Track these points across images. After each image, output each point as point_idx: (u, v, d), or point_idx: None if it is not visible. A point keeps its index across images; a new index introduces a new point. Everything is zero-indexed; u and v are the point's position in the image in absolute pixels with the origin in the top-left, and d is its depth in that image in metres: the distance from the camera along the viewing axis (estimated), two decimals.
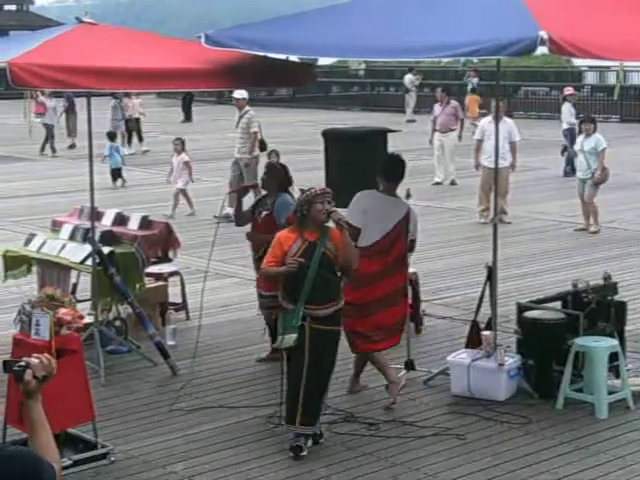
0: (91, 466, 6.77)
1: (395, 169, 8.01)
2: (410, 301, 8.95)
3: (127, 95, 25.68)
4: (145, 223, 10.17)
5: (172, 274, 10.58)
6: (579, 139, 14.93)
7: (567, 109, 20.90)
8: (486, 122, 15.56)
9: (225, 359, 9.09)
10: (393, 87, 40.97)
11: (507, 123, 15.23)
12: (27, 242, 10.04)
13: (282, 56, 8.24)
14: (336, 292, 6.93)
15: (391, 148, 10.95)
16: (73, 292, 9.76)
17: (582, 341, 7.83)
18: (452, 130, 19.33)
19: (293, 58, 8.82)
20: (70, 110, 27.53)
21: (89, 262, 9.10)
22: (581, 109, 26.64)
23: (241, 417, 7.70)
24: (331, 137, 10.65)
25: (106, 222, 10.14)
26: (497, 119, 10.13)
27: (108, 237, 9.50)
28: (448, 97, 19.78)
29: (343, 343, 7.42)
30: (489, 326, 8.39)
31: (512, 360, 8.03)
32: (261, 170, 16.00)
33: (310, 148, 21.34)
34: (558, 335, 7.96)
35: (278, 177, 8.53)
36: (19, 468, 2.87)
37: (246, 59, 8.01)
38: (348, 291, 7.24)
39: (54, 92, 24.16)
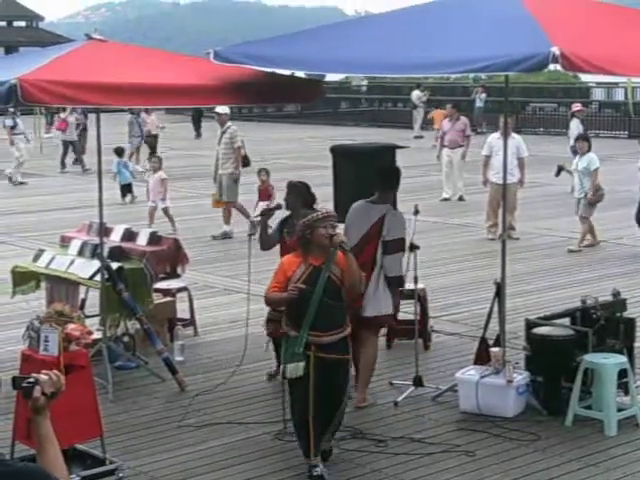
0: None
1: (388, 177, 8.20)
2: (419, 317, 8.94)
3: (146, 111, 25.54)
4: (154, 239, 10.17)
5: (180, 290, 10.59)
6: (575, 159, 14.95)
7: (575, 125, 20.91)
8: (494, 138, 15.56)
9: (234, 375, 9.07)
10: (401, 103, 41.04)
11: (515, 139, 15.24)
12: (36, 258, 10.05)
13: (290, 72, 8.26)
14: (342, 318, 6.71)
15: (399, 164, 10.95)
16: (81, 308, 9.77)
17: (591, 358, 7.81)
18: (461, 146, 19.35)
19: (300, 74, 8.82)
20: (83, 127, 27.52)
21: (98, 278, 9.11)
22: (589, 125, 26.68)
23: (250, 433, 7.69)
24: (340, 153, 10.63)
25: (115, 238, 10.15)
26: (505, 135, 10.13)
27: (117, 253, 9.51)
28: (458, 113, 19.80)
29: None
30: (498, 342, 8.37)
31: (521, 377, 8.01)
32: (242, 187, 16.16)
33: (319, 164, 21.34)
34: (567, 352, 7.94)
35: (301, 195, 8.35)
36: None
37: (255, 75, 8.03)
38: None
39: (73, 108, 24.20)
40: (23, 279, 9.96)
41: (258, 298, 8.04)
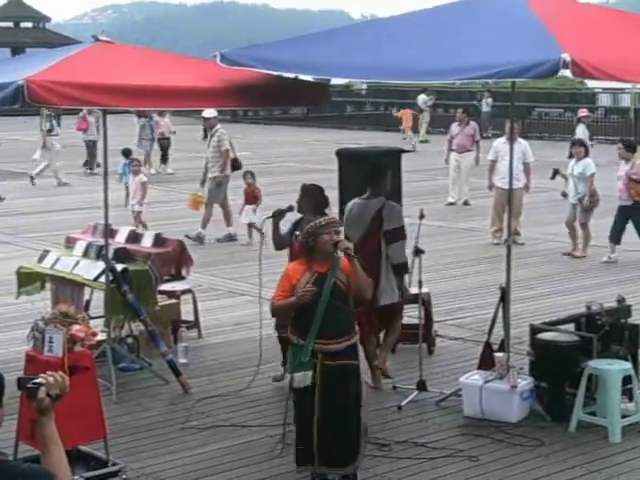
0: None
1: (374, 173, 8.68)
2: (423, 321, 8.94)
3: (160, 114, 25.28)
4: (159, 241, 10.18)
5: (185, 292, 10.60)
6: (570, 163, 14.90)
7: (581, 130, 20.90)
8: (500, 143, 15.56)
9: (237, 377, 9.07)
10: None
11: (521, 144, 15.23)
12: (41, 259, 10.06)
13: (295, 75, 8.26)
14: (349, 325, 6.55)
15: (405, 168, 10.95)
16: (86, 309, 9.77)
17: (595, 364, 7.80)
18: (469, 151, 19.29)
19: (305, 77, 8.80)
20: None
21: (102, 279, 9.11)
22: (595, 131, 26.62)
23: (253, 436, 7.69)
24: (345, 157, 10.63)
25: (120, 239, 10.15)
26: (511, 140, 10.13)
27: (122, 254, 9.52)
28: (468, 118, 19.75)
29: None
30: (502, 347, 8.37)
31: (525, 382, 8.00)
32: (231, 189, 16.14)
33: (324, 167, 21.33)
34: (571, 357, 7.93)
35: (314, 199, 8.31)
36: None
37: (261, 78, 8.03)
38: None
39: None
40: (28, 280, 9.97)
41: (265, 301, 8.03)
